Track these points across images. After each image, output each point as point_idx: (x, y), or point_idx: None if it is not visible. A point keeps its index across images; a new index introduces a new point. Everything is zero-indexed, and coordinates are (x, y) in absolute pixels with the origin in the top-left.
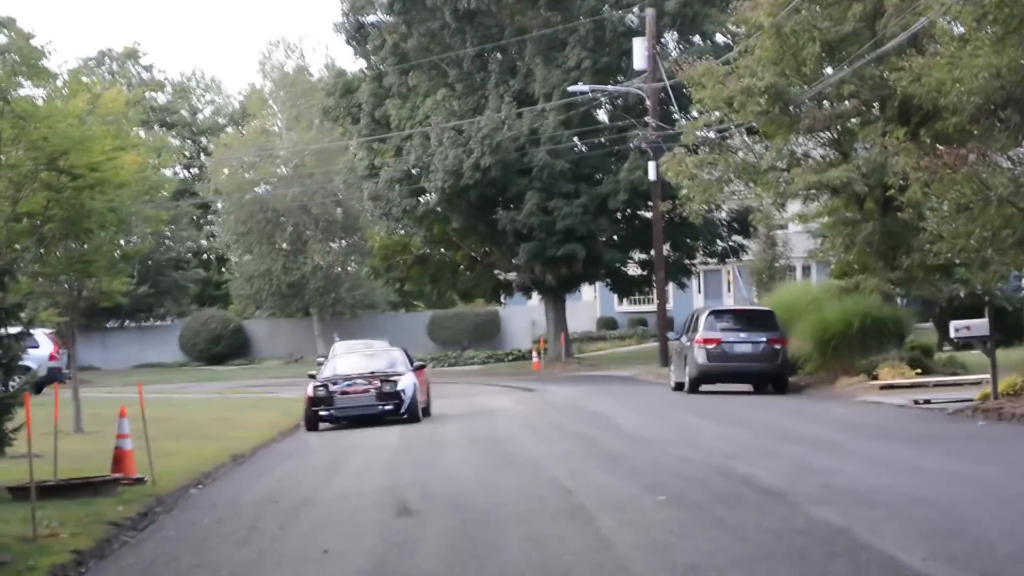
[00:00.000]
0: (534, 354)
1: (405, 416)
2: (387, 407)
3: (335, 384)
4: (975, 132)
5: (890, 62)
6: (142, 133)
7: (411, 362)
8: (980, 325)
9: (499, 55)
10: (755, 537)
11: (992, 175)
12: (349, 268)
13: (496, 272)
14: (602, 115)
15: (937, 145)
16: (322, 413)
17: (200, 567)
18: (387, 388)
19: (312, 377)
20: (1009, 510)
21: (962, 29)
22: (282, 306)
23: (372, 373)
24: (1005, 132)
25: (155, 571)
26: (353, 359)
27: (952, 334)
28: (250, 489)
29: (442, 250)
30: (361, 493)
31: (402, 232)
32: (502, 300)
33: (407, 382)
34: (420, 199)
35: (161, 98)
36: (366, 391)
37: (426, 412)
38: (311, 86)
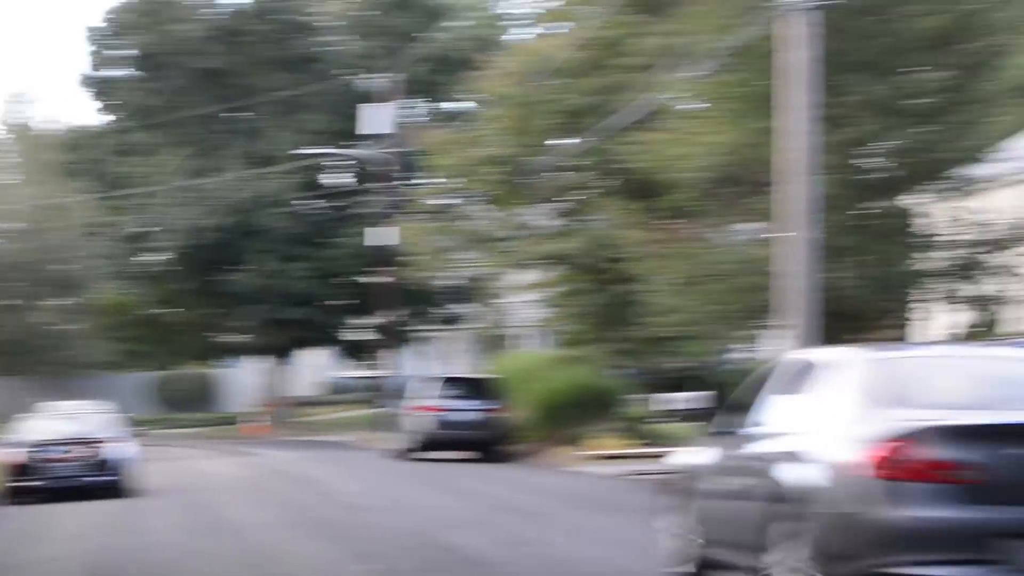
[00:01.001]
0: (258, 417)
1: (116, 486)
2: (98, 477)
3: (37, 450)
4: (702, 208)
5: (623, 136)
6: None
7: (124, 425)
8: (699, 398)
9: (234, 115)
10: None
11: (715, 251)
12: (72, 327)
13: (224, 334)
14: (337, 179)
15: (665, 220)
16: (26, 483)
17: None
18: (97, 455)
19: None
20: None
21: (692, 106)
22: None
23: (79, 438)
24: (730, 208)
25: None
26: (56, 421)
27: (670, 406)
28: None
29: (172, 310)
30: (56, 558)
31: (129, 291)
32: (229, 362)
33: (120, 449)
34: (153, 258)
35: None
36: (73, 459)
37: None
38: (49, 139)
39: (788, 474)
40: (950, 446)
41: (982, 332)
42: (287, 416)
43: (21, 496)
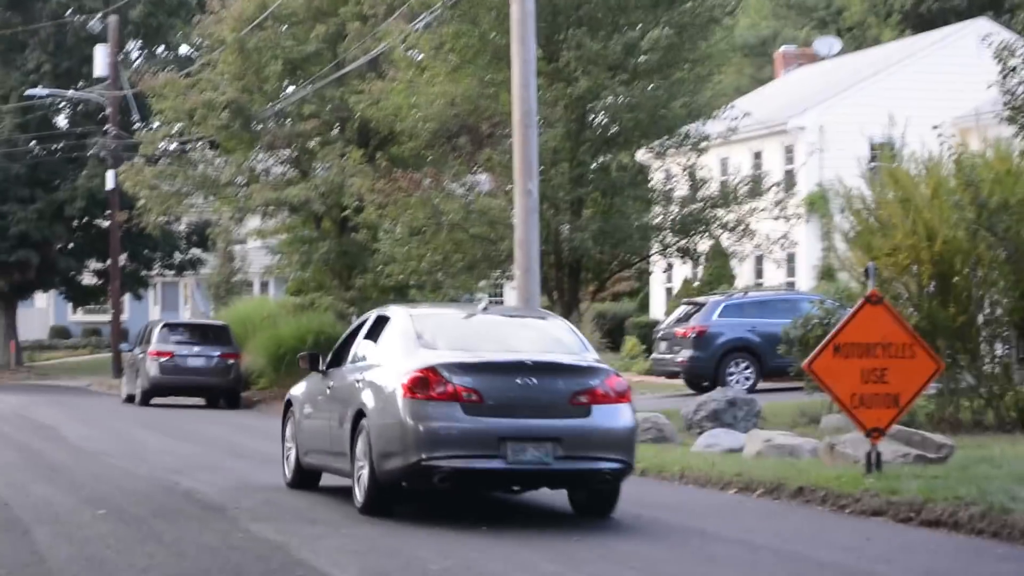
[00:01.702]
0: None
1: None
2: None
3: None
4: (430, 158)
5: (350, 85)
6: None
7: None
8: None
9: None
10: (192, 552)
11: (444, 200)
12: None
13: None
14: (62, 121)
15: (393, 168)
16: None
17: None
18: None
19: None
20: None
21: (421, 56)
22: None
23: None
24: (458, 159)
25: None
26: None
27: None
28: None
29: None
30: None
31: None
32: None
33: None
34: None
35: None
36: None
37: None
38: None
39: (362, 397)
40: (456, 376)
41: (709, 284)
42: (16, 360)
43: None
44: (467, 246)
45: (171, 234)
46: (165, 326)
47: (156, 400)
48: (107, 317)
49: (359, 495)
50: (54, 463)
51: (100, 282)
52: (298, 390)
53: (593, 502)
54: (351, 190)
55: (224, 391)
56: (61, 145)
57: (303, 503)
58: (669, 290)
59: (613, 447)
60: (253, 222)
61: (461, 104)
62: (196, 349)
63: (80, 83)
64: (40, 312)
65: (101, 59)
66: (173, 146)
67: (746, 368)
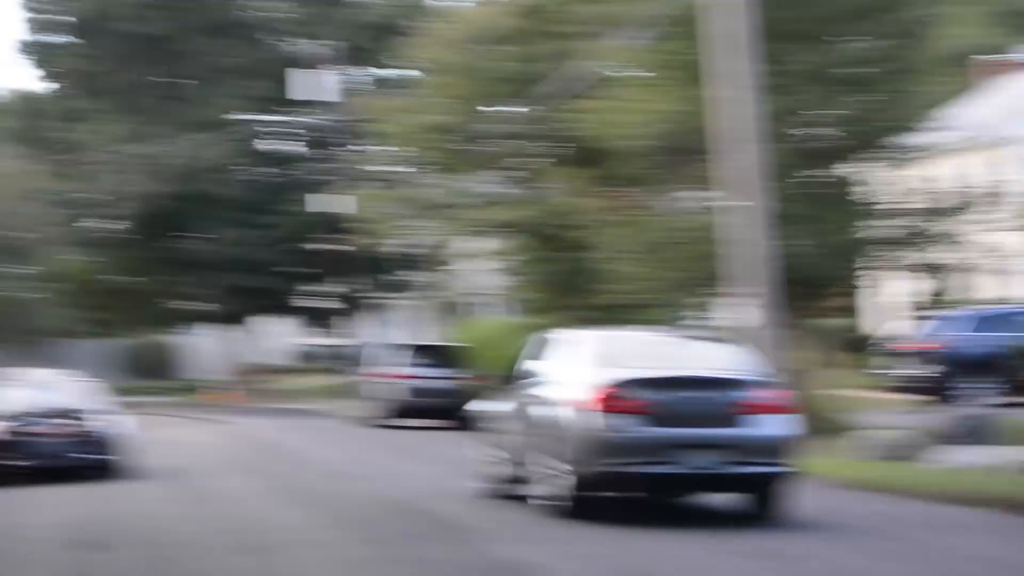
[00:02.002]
0: (224, 385)
1: (107, 465)
2: (90, 455)
3: (15, 422)
4: (653, 175)
5: (571, 104)
6: None
7: (109, 396)
8: None
9: (180, 82)
10: (441, 573)
11: (671, 218)
12: (31, 295)
13: (185, 301)
14: (289, 146)
15: (615, 187)
16: (3, 461)
17: None
18: (88, 431)
19: None
20: None
21: (642, 74)
22: None
23: (63, 410)
24: (677, 177)
25: None
26: (30, 392)
27: None
28: None
29: (129, 278)
30: (39, 525)
31: (83, 259)
32: (190, 330)
33: (114, 424)
34: (105, 224)
35: None
36: (60, 434)
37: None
38: None
39: (555, 412)
40: (636, 391)
41: (934, 300)
42: (253, 384)
43: None
44: (684, 264)
45: (401, 257)
46: (400, 348)
47: (397, 422)
48: (344, 340)
49: (559, 501)
50: (300, 486)
51: (336, 306)
52: (491, 406)
53: (762, 503)
54: (577, 210)
55: (462, 412)
56: (290, 170)
57: (553, 524)
58: (884, 304)
59: (774, 453)
60: (484, 243)
61: (678, 121)
62: (435, 371)
63: (303, 108)
64: (277, 336)
65: (326, 86)
66: (398, 169)
67: (994, 382)
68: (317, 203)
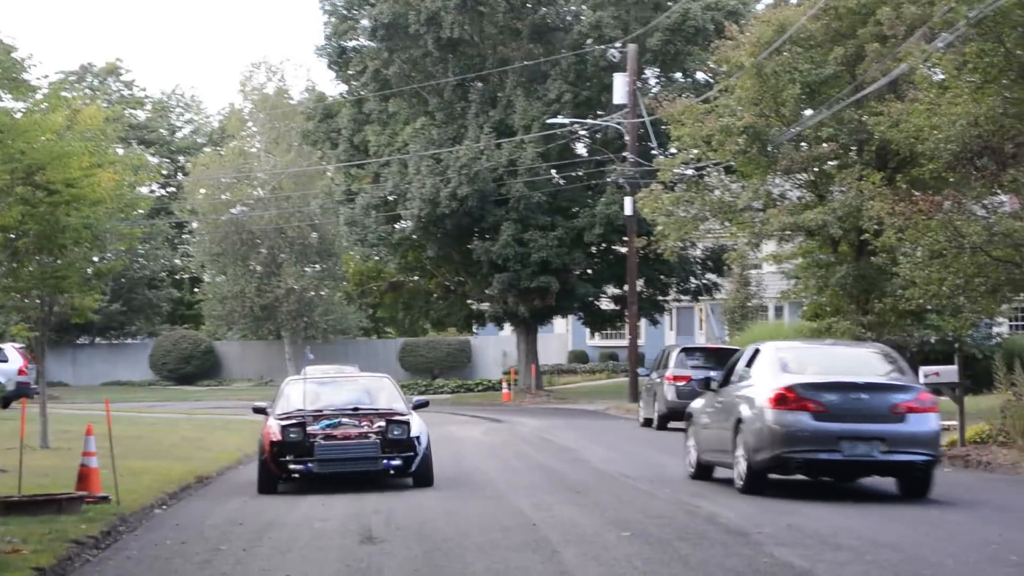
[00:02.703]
0: (504, 385)
1: (414, 474)
2: (395, 461)
3: (313, 424)
4: (951, 179)
5: (869, 106)
6: (120, 150)
7: (405, 395)
8: (949, 372)
9: (480, 85)
10: None
11: (966, 223)
12: (322, 292)
13: (469, 302)
14: (580, 149)
15: (913, 191)
16: (294, 466)
17: None
18: (395, 433)
19: (262, 412)
20: (971, 555)
21: (942, 76)
22: (254, 328)
23: (365, 410)
24: (980, 180)
25: None
26: (329, 389)
27: (921, 380)
28: (215, 511)
29: (416, 278)
30: (326, 519)
31: (376, 258)
32: (474, 330)
33: (419, 426)
34: (396, 226)
35: (140, 115)
36: (364, 436)
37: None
38: (291, 109)
39: (740, 409)
40: (810, 392)
41: None
42: (536, 384)
43: (281, 479)
44: (990, 269)
45: (686, 259)
46: (682, 351)
47: (673, 424)
48: (624, 342)
49: (738, 481)
50: (577, 484)
51: (617, 307)
52: (696, 404)
53: (914, 487)
54: (869, 213)
55: None
56: (580, 173)
57: (826, 529)
58: None
59: (923, 444)
60: (769, 247)
61: (984, 124)
62: (713, 374)
63: (599, 111)
64: (559, 337)
65: (620, 87)
66: (690, 172)
67: None
68: (620, 206)
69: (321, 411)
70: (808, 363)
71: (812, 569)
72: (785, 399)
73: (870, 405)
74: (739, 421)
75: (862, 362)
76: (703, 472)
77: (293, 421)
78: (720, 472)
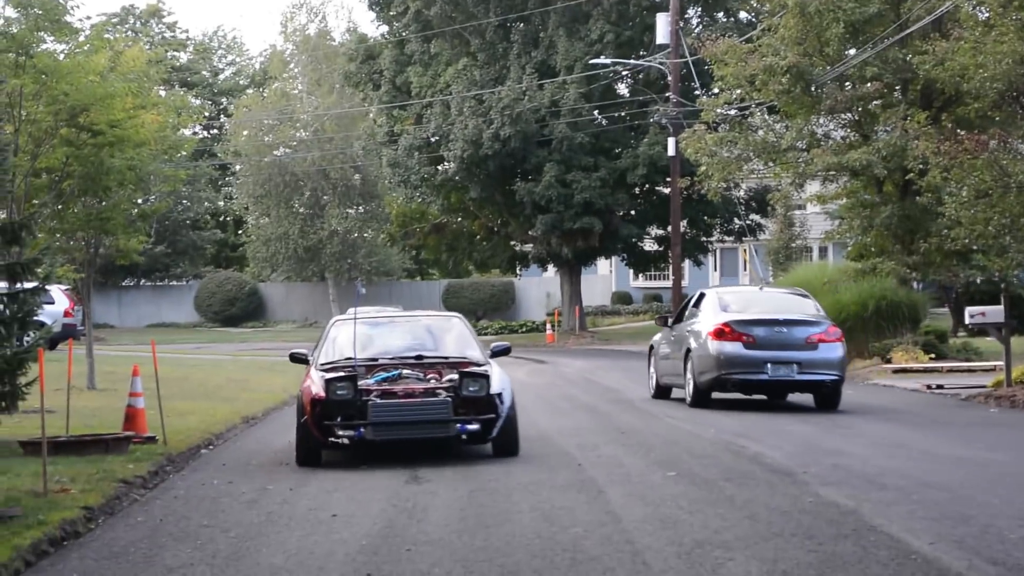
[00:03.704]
0: (548, 326)
1: (494, 441)
2: (471, 425)
3: (366, 377)
4: (996, 118)
5: (913, 45)
6: (163, 92)
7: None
8: (996, 312)
9: (522, 26)
10: (763, 516)
11: (1012, 162)
12: (366, 234)
13: (512, 243)
14: (623, 89)
15: (958, 130)
16: (342, 432)
17: (209, 527)
18: (472, 389)
19: (301, 361)
20: (1019, 496)
21: (987, 14)
22: (298, 270)
23: (432, 358)
24: None
25: (164, 529)
26: (384, 332)
27: (967, 320)
28: (261, 451)
29: (459, 219)
30: (372, 459)
31: (419, 200)
32: (517, 271)
33: (502, 380)
34: (438, 167)
35: (182, 57)
36: (432, 393)
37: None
38: (333, 50)
39: (690, 341)
40: (742, 327)
41: None
42: (579, 325)
43: (325, 447)
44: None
45: (730, 200)
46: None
47: None
48: (667, 283)
49: (688, 398)
50: (622, 425)
51: (660, 248)
52: (656, 338)
53: (825, 401)
54: (914, 153)
55: None
56: (623, 114)
57: (872, 470)
58: None
59: (831, 367)
60: (813, 187)
61: None
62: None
63: (641, 52)
64: (603, 278)
65: (662, 27)
66: (732, 112)
67: None
68: (660, 146)
69: (376, 360)
70: (742, 305)
71: (858, 508)
72: (723, 332)
73: (789, 337)
74: (688, 351)
75: (786, 303)
76: (662, 393)
77: (341, 374)
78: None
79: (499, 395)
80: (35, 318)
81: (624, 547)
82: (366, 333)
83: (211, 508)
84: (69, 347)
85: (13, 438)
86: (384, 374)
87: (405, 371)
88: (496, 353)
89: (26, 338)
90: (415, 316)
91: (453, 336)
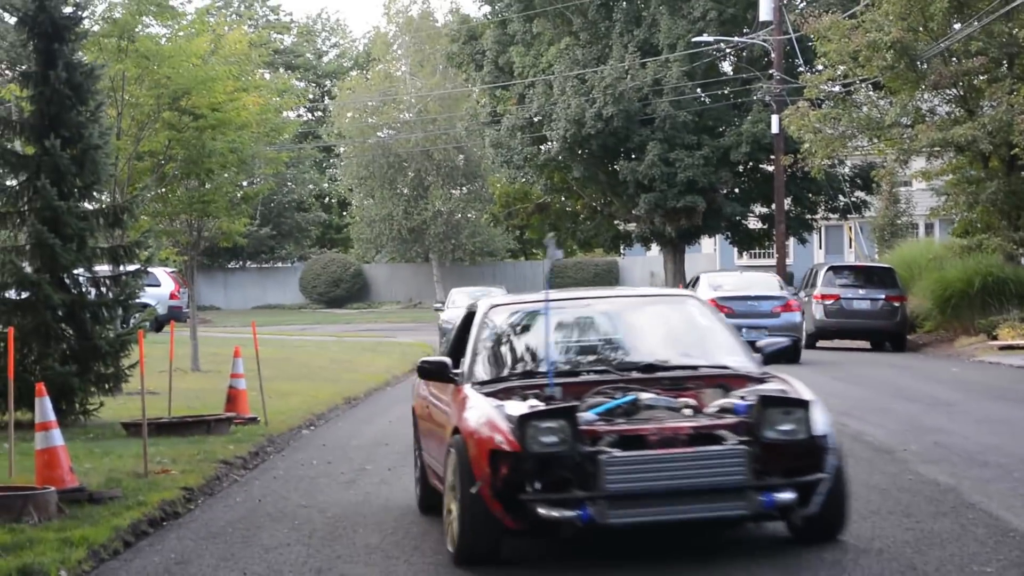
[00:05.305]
0: None
1: (817, 519)
2: (781, 493)
3: (583, 408)
4: None
5: (1019, 19)
6: (266, 75)
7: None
8: None
9: (624, 4)
10: (861, 494)
11: None
12: (469, 215)
13: (616, 222)
14: (726, 67)
15: None
16: (553, 512)
17: (308, 507)
18: (782, 428)
19: (438, 374)
20: None
21: None
22: (402, 251)
23: (675, 370)
24: None
25: (262, 509)
26: (579, 323)
27: None
28: (362, 432)
29: (562, 199)
30: None
31: (523, 180)
32: (621, 250)
33: (821, 410)
34: (541, 147)
35: (286, 40)
36: (708, 437)
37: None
38: (435, 31)
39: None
40: (724, 301)
41: None
42: None
43: (514, 530)
44: None
45: (834, 177)
46: (830, 269)
47: (821, 343)
48: (771, 261)
49: None
50: None
51: (765, 227)
52: None
53: (790, 356)
54: (1020, 127)
55: (889, 334)
56: (726, 91)
57: (974, 447)
58: None
59: (790, 330)
60: (918, 163)
61: None
62: (861, 292)
63: (744, 29)
64: (706, 257)
65: (765, 3)
66: (836, 88)
67: None
68: (763, 124)
69: (577, 373)
70: (727, 284)
71: (957, 486)
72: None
73: (758, 308)
74: None
75: (759, 282)
76: None
77: (540, 405)
78: None
79: (824, 438)
80: (138, 300)
81: None
82: (539, 326)
83: (310, 488)
84: (171, 329)
85: (117, 420)
86: (608, 402)
87: (642, 394)
88: (772, 356)
89: (130, 320)
90: (615, 296)
91: (695, 329)
